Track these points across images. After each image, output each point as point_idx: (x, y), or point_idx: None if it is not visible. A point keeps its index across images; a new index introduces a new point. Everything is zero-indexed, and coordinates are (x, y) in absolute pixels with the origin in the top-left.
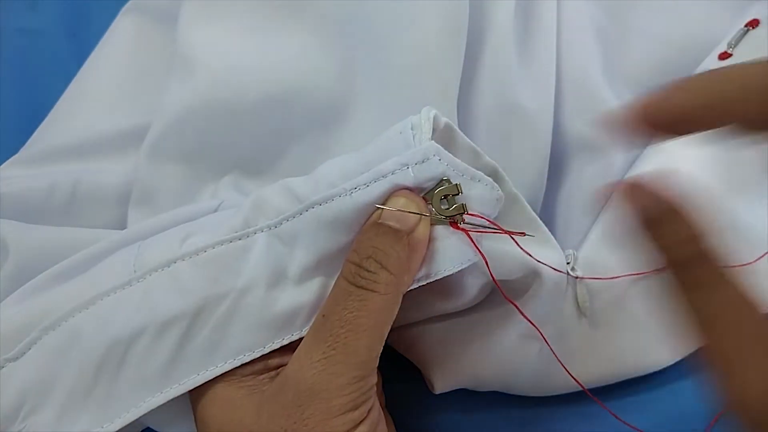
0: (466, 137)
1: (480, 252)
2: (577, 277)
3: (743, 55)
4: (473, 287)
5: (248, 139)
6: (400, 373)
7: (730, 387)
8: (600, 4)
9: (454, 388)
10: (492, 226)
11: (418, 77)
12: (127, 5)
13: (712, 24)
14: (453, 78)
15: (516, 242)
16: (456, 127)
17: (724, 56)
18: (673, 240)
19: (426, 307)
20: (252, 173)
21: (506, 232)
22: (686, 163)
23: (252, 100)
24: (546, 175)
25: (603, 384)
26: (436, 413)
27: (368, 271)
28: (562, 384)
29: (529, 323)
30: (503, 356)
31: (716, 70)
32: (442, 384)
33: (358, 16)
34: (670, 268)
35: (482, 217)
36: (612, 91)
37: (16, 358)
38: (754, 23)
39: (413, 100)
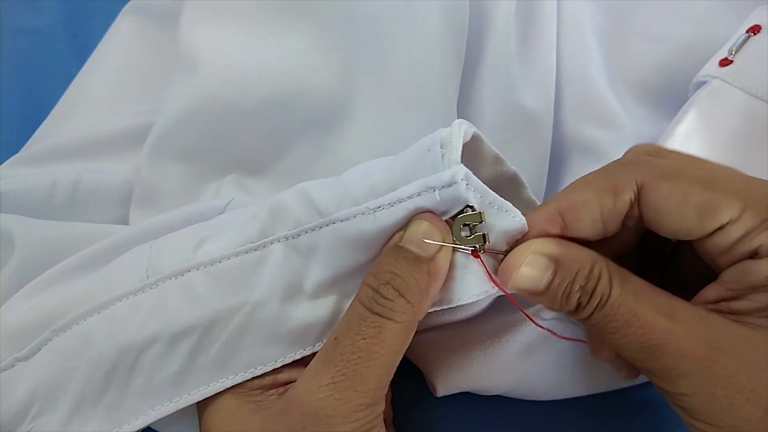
0: (492, 146)
1: (500, 287)
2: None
3: (744, 61)
4: (480, 302)
5: (250, 138)
6: (402, 372)
7: None
8: (600, 4)
9: (456, 392)
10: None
11: (418, 77)
12: (128, 5)
13: (713, 24)
14: (453, 78)
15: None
16: (484, 138)
17: (724, 63)
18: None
19: (432, 318)
20: (254, 172)
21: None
22: None
23: (254, 99)
24: (546, 175)
25: (610, 390)
26: (437, 413)
27: (385, 298)
28: (567, 389)
29: (539, 331)
30: (505, 365)
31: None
32: (444, 388)
33: (359, 16)
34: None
35: (501, 252)
36: (612, 91)
37: (26, 358)
38: (755, 29)
39: (414, 100)
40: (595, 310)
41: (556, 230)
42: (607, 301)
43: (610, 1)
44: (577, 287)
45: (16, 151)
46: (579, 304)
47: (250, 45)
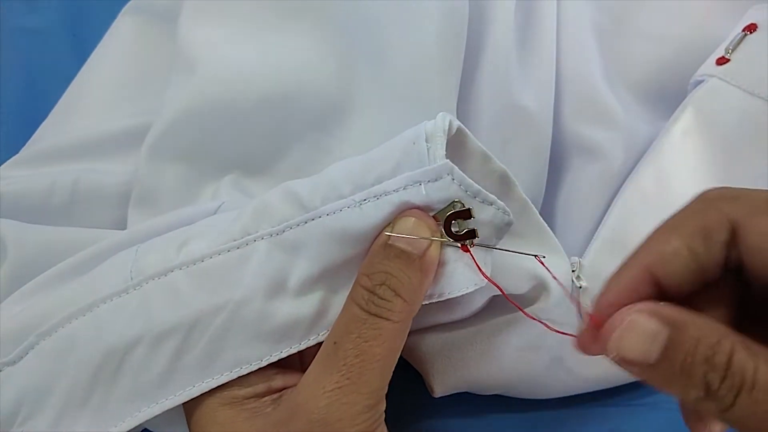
0: (477, 141)
1: (490, 280)
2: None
3: (741, 59)
4: (476, 300)
5: (249, 139)
6: (400, 373)
7: None
8: (600, 4)
9: (453, 392)
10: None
11: (418, 77)
12: (128, 5)
13: (713, 24)
14: (453, 78)
15: (542, 263)
16: (469, 132)
17: (721, 61)
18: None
19: (428, 317)
20: (253, 173)
21: (521, 253)
22: (687, 164)
23: (252, 100)
24: (546, 175)
25: (608, 387)
26: (435, 414)
27: (382, 298)
28: (563, 388)
29: (536, 329)
30: (503, 364)
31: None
32: (441, 388)
33: (358, 16)
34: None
35: (490, 246)
36: (612, 91)
37: (13, 362)
38: (751, 28)
39: (413, 101)
40: (739, 394)
41: (648, 291)
42: (754, 381)
43: (610, 1)
44: (701, 358)
45: (16, 151)
46: (708, 385)
47: (249, 45)
